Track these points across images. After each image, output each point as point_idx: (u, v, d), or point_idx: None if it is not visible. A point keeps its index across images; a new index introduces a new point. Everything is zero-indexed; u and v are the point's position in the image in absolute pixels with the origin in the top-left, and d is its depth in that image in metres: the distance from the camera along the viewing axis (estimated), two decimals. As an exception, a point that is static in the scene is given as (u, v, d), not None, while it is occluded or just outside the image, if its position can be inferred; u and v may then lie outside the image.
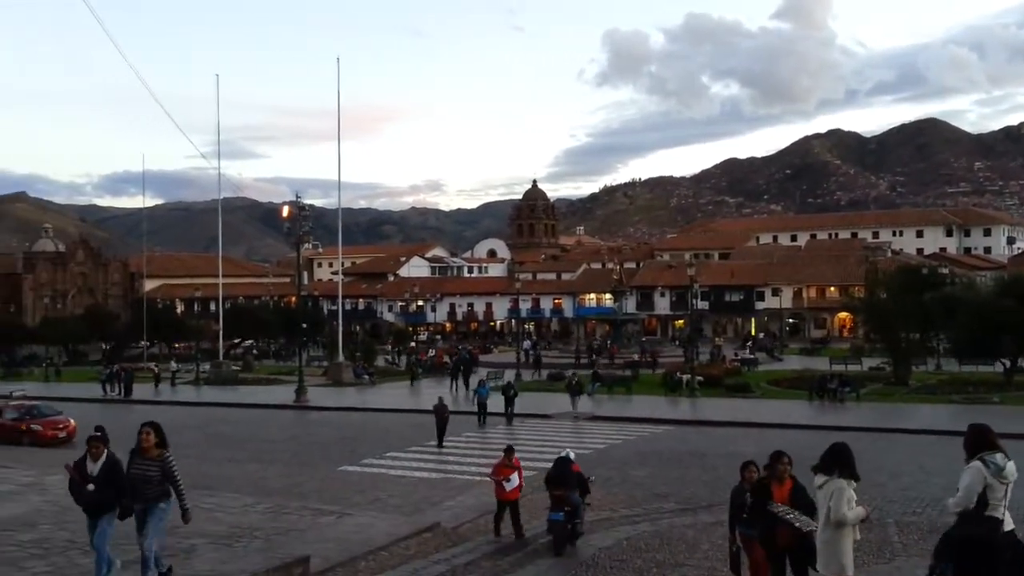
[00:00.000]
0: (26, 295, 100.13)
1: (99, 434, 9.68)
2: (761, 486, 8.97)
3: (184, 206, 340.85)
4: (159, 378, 49.50)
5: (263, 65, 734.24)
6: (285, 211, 45.76)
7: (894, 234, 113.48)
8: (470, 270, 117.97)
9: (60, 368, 60.20)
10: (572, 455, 13.58)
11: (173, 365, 52.74)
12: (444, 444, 24.56)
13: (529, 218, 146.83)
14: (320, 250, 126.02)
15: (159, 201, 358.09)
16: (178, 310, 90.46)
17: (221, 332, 60.51)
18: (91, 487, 9.31)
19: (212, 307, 74.54)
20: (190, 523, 9.87)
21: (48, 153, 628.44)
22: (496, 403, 30.03)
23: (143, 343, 69.83)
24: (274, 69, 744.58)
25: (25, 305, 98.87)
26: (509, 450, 14.09)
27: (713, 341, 67.22)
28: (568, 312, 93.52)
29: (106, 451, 9.48)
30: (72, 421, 28.07)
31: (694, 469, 20.84)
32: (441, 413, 25.14)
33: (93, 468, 9.42)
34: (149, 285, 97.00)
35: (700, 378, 38.95)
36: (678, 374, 39.64)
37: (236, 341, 70.05)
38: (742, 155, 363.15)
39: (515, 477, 13.44)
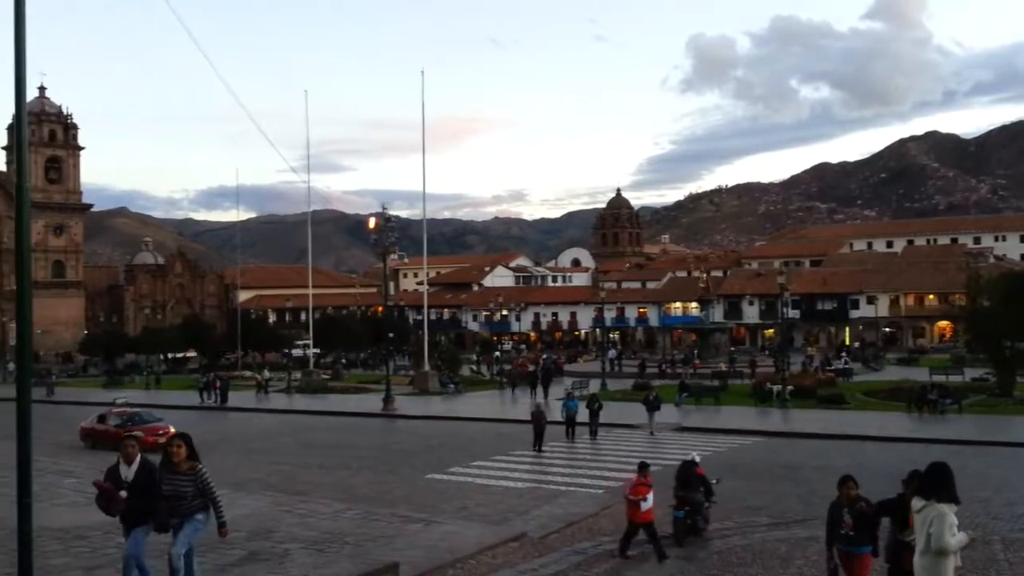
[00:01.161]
0: (128, 306, 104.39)
1: (133, 436, 9.39)
2: (896, 506, 8.68)
3: (275, 219, 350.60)
4: (262, 386, 51.07)
5: (350, 81, 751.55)
6: (372, 223, 46.47)
7: (996, 239, 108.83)
8: (554, 279, 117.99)
9: (160, 376, 62.41)
10: (697, 458, 14.60)
11: (266, 374, 54.22)
12: (542, 450, 25.17)
13: (613, 227, 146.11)
14: (406, 260, 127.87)
15: (252, 214, 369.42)
16: (270, 320, 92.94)
17: (311, 341, 61.87)
18: (124, 493, 8.75)
19: (303, 317, 76.34)
20: (227, 536, 9.34)
21: (148, 170, 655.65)
22: (579, 414, 29.90)
23: (238, 352, 72.02)
24: (361, 84, 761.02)
25: (127, 315, 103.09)
26: (643, 467, 13.06)
27: (805, 351, 65.58)
28: (654, 321, 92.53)
29: (140, 454, 9.05)
30: (171, 428, 29.02)
31: (786, 482, 20.30)
32: (539, 419, 25.62)
33: (128, 473, 8.93)
34: (243, 296, 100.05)
35: (791, 388, 37.99)
36: (768, 385, 38.72)
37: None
38: (834, 159, 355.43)
39: (651, 496, 12.69)
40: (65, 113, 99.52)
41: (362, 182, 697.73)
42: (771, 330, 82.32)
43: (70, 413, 38.15)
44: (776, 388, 37.91)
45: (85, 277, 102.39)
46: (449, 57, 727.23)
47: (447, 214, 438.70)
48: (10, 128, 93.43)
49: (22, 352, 8.43)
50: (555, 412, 29.48)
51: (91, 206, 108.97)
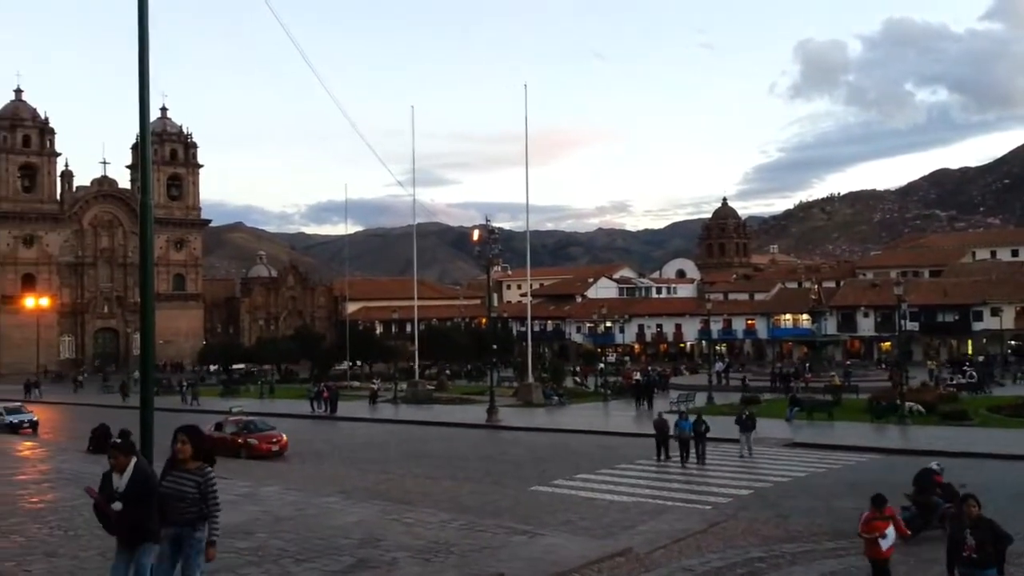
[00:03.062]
0: (243, 317, 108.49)
1: (121, 441, 8.34)
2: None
3: (382, 232, 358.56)
4: (374, 395, 52.20)
5: (455, 95, 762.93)
6: (476, 235, 46.98)
7: None
8: (658, 291, 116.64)
9: (273, 386, 64.45)
10: (937, 467, 16.30)
11: (376, 384, 55.41)
12: (669, 457, 25.33)
13: (719, 237, 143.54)
14: (509, 272, 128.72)
15: (359, 228, 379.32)
16: (377, 331, 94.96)
17: (417, 352, 62.88)
18: (117, 505, 7.79)
19: (408, 328, 77.72)
20: (214, 561, 8.22)
21: (261, 186, 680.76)
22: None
23: (346, 363, 73.84)
24: (465, 99, 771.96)
25: (242, 326, 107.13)
26: (879, 500, 11.46)
27: (927, 365, 62.91)
28: (762, 333, 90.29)
29: (135, 460, 8.00)
30: (284, 436, 29.92)
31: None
32: (662, 428, 25.62)
33: (119, 483, 7.91)
34: (351, 308, 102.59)
35: (920, 407, 36.44)
36: (901, 402, 36.97)
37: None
38: (953, 165, 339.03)
39: (891, 531, 11.29)
40: (185, 133, 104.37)
41: (466, 195, 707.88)
42: (887, 343, 79.18)
43: (189, 421, 39.80)
44: (909, 405, 36.48)
45: (204, 289, 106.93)
46: (552, 70, 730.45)
47: (550, 226, 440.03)
48: (135, 148, 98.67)
49: (145, 361, 8.80)
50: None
51: (209, 221, 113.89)
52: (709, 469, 24.40)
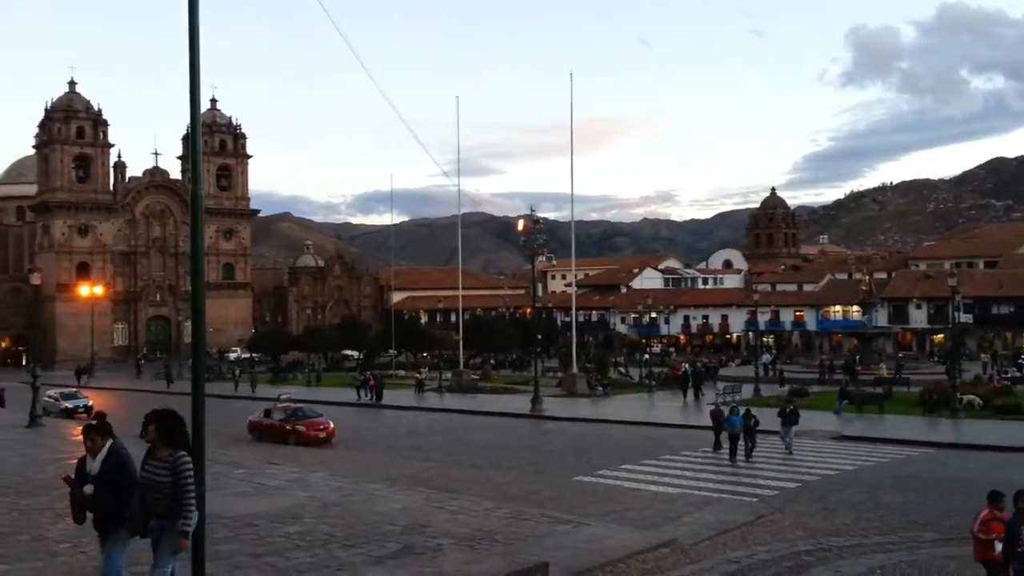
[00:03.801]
0: (291, 306, 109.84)
1: (97, 423, 7.94)
2: None
3: (427, 222, 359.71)
4: (421, 384, 52.47)
5: (499, 85, 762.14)
6: (520, 225, 47.09)
7: None
8: (704, 281, 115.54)
9: (320, 374, 65.24)
10: None
11: (422, 373, 55.81)
12: (723, 448, 25.14)
13: (767, 227, 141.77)
14: (554, 262, 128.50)
15: (404, 218, 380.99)
16: (422, 321, 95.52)
17: (461, 342, 63.15)
18: (89, 488, 7.48)
19: (452, 318, 78.04)
20: (184, 550, 7.57)
21: (308, 176, 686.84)
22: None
23: (391, 352, 74.41)
24: (510, 88, 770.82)
25: (290, 315, 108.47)
26: (995, 496, 10.13)
27: (981, 358, 61.61)
28: (811, 325, 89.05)
29: (110, 442, 7.68)
30: (331, 423, 30.30)
31: (957, 496, 19.04)
32: (719, 419, 25.50)
33: (93, 466, 7.67)
34: (396, 297, 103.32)
35: (978, 400, 35.78)
36: (959, 395, 36.20)
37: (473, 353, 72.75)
38: (1010, 154, 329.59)
39: None
40: (234, 124, 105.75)
41: (510, 185, 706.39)
42: (940, 336, 77.61)
43: (240, 407, 40.52)
44: (969, 397, 35.78)
45: (253, 279, 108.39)
46: (597, 59, 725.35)
47: (595, 216, 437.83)
48: (185, 139, 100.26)
49: (196, 348, 8.95)
50: (706, 417, 28.78)
51: (258, 211, 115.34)
52: (756, 461, 24.19)
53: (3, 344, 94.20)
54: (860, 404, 37.41)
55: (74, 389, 47.81)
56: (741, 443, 24.63)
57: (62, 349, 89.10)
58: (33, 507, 13.50)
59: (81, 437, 7.85)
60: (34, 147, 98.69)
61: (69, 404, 39.68)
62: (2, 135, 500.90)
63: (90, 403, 40.99)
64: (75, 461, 8.24)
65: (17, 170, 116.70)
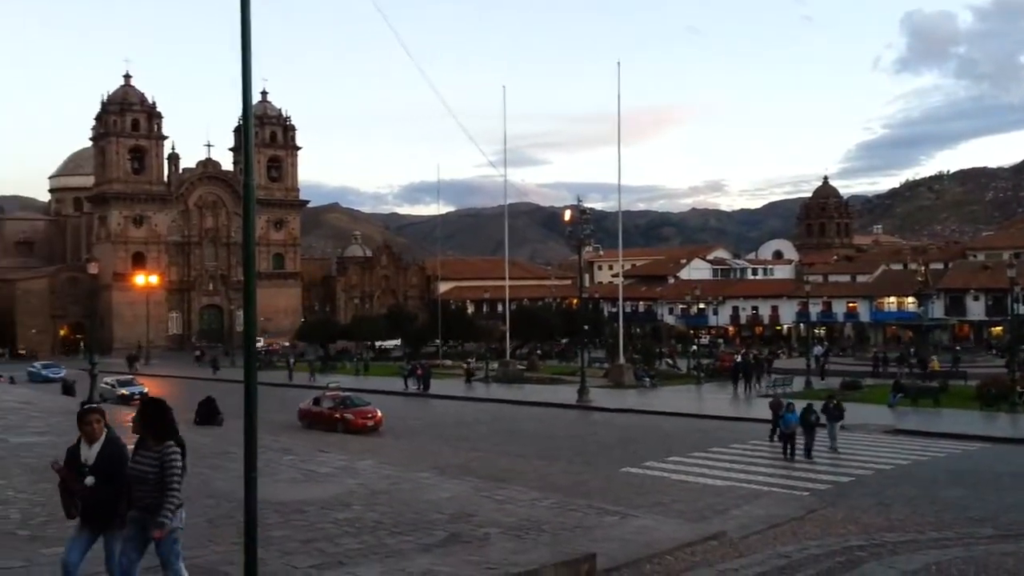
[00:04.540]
0: (339, 296, 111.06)
1: (95, 406, 7.40)
2: None
3: (473, 212, 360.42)
4: (471, 374, 52.80)
5: (546, 75, 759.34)
6: (567, 215, 46.85)
7: None
8: (754, 272, 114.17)
9: (368, 363, 65.84)
10: None
11: (470, 362, 56.06)
12: (775, 441, 24.75)
13: (819, 217, 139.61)
14: (600, 253, 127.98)
15: (451, 208, 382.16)
16: (468, 311, 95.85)
17: (508, 332, 63.26)
18: (90, 480, 7.01)
19: (499, 308, 78.17)
20: (163, 537, 6.97)
21: (356, 167, 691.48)
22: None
23: (437, 342, 74.84)
24: (556, 78, 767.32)
25: (338, 305, 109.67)
26: None
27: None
28: (864, 317, 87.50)
29: (107, 431, 7.20)
30: (379, 411, 30.58)
31: (1016, 492, 18.58)
32: (777, 409, 25.07)
33: (89, 455, 7.10)
34: (443, 287, 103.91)
35: None
36: (1018, 389, 35.16)
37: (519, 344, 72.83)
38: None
39: None
40: (284, 115, 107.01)
41: (557, 175, 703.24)
42: (999, 328, 75.72)
43: (290, 395, 41.07)
44: None
45: (302, 268, 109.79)
46: (644, 48, 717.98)
47: (642, 206, 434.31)
48: (237, 131, 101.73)
49: (248, 337, 9.05)
50: (757, 409, 28.48)
51: (307, 202, 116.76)
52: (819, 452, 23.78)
53: (62, 332, 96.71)
54: (915, 398, 36.69)
55: (130, 376, 48.96)
56: (800, 441, 23.32)
57: (118, 337, 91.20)
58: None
59: (87, 424, 7.22)
60: (91, 139, 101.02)
61: (125, 391, 40.68)
62: (60, 128, 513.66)
63: (145, 389, 41.94)
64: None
65: (75, 162, 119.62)
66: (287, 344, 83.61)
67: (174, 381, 56.69)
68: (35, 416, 24.48)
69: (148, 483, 6.93)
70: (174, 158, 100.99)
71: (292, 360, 60.78)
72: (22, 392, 38.97)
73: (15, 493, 13.05)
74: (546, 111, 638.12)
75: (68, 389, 42.18)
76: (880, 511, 16.41)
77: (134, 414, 7.09)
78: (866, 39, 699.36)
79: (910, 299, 79.30)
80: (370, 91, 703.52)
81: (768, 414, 26.09)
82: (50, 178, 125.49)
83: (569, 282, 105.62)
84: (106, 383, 40.74)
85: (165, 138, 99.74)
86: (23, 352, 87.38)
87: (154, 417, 7.08)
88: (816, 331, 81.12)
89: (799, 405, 24.91)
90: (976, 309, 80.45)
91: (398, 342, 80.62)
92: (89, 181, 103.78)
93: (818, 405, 25.40)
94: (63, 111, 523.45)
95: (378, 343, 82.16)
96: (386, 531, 11.33)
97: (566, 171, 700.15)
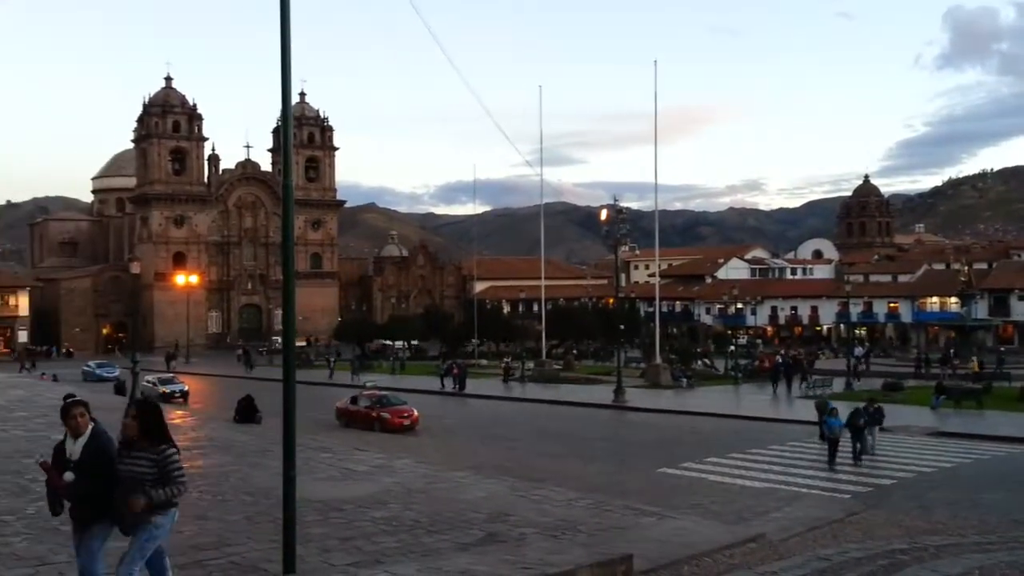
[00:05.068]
0: (375, 295, 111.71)
1: (79, 399, 7.20)
2: None
3: (509, 212, 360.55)
4: (509, 373, 52.83)
5: (582, 73, 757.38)
6: (603, 214, 46.70)
7: None
8: (793, 271, 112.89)
9: (404, 362, 66.16)
10: None
11: (507, 361, 56.12)
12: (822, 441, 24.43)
13: (860, 216, 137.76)
14: (637, 252, 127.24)
15: (487, 208, 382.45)
16: (504, 310, 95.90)
17: (544, 332, 63.20)
18: (69, 475, 6.76)
19: (535, 308, 78.12)
20: (138, 510, 6.72)
21: (393, 167, 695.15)
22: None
23: (474, 341, 74.99)
24: (592, 77, 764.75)
25: (375, 304, 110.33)
26: None
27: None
28: (906, 317, 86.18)
29: (92, 425, 7.00)
30: (415, 411, 30.70)
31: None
32: (823, 409, 24.80)
33: (73, 450, 6.90)
34: (479, 287, 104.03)
35: None
36: None
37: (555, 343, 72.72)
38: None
39: None
40: (322, 116, 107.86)
41: (593, 174, 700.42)
42: (1044, 328, 74.22)
43: (327, 393, 41.41)
44: None
45: (339, 268, 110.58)
46: (682, 47, 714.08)
47: (679, 205, 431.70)
48: (275, 132, 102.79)
49: (287, 336, 9.14)
50: (796, 411, 28.16)
51: (344, 202, 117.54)
52: (847, 455, 23.48)
53: (105, 331, 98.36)
54: (958, 400, 36.08)
55: (171, 375, 49.70)
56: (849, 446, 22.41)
57: (159, 336, 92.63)
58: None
59: (71, 418, 7.00)
60: (133, 141, 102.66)
61: (167, 389, 41.32)
62: (103, 130, 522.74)
63: (186, 388, 42.53)
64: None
65: (117, 163, 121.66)
66: (325, 345, 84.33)
67: (211, 379, 57.43)
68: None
69: (145, 483, 6.75)
70: (214, 159, 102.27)
71: (333, 359, 61.26)
72: (69, 391, 39.70)
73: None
74: (582, 110, 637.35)
75: (120, 389, 42.86)
76: (922, 514, 16.15)
77: (132, 417, 6.90)
78: (907, 36, 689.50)
79: (953, 299, 77.99)
80: (407, 91, 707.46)
81: (811, 415, 25.80)
82: (93, 179, 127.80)
83: (605, 282, 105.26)
84: (148, 381, 41.38)
85: (205, 139, 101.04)
86: (71, 351, 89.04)
87: (153, 420, 6.95)
88: (857, 332, 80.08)
89: (840, 406, 24.62)
90: (1021, 309, 78.91)
91: (409, 344, 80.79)
92: (131, 182, 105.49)
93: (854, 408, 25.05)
94: (106, 113, 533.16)
95: (413, 342, 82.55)
96: (423, 530, 11.37)
97: (602, 170, 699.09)
